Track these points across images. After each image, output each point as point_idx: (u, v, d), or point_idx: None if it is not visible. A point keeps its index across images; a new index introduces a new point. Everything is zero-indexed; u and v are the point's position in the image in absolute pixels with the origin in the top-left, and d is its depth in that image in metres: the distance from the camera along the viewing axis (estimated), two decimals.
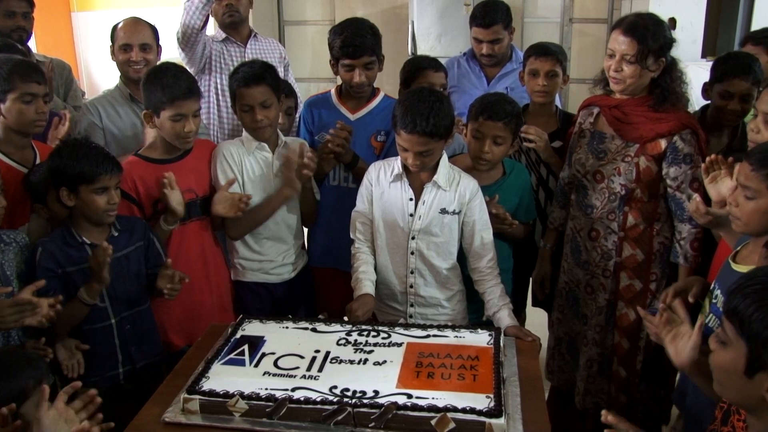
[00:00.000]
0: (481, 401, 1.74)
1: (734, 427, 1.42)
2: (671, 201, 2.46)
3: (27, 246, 2.23)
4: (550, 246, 2.82)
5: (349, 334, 2.09)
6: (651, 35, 2.32)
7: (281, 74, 3.07)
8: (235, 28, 3.37)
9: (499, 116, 2.41)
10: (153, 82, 2.42)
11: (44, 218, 2.34)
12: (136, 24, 2.91)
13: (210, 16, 3.15)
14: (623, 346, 2.60)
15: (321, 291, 2.82)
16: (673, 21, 6.04)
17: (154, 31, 2.96)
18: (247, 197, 2.49)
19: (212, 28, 3.41)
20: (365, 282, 2.34)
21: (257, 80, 2.48)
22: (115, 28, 2.91)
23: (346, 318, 2.24)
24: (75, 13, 6.42)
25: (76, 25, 6.41)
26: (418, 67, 2.85)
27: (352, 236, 2.45)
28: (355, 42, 2.60)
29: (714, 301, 1.92)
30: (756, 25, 5.97)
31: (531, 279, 2.95)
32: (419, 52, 6.03)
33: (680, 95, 2.44)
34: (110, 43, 2.93)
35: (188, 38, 3.10)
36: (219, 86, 3.29)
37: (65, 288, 2.18)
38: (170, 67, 2.57)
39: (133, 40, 2.83)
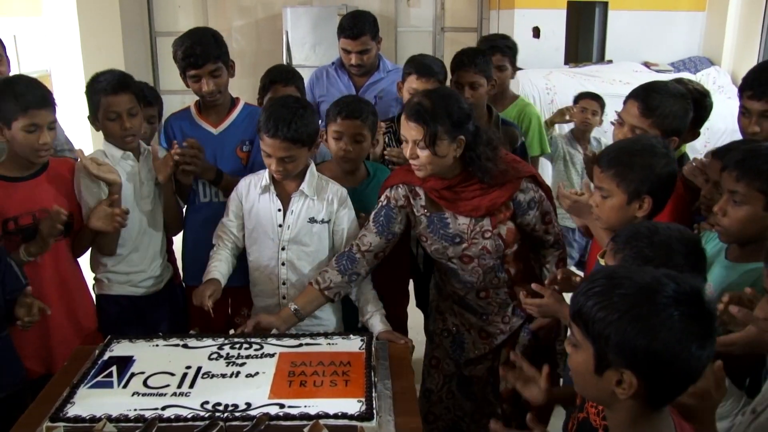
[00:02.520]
0: (353, 406, 1.78)
1: (588, 413, 1.51)
2: (530, 239, 2.43)
3: None
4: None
5: (221, 347, 2.08)
6: (437, 117, 2.13)
7: None
8: None
9: (357, 114, 2.47)
10: (4, 93, 2.29)
11: None
12: None
13: None
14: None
15: (194, 309, 2.77)
16: (537, 30, 6.36)
17: None
18: (123, 210, 2.42)
19: None
20: (214, 272, 2.36)
21: (123, 87, 2.43)
22: None
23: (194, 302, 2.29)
24: None
25: None
26: (269, 81, 2.87)
27: (213, 242, 2.46)
28: (196, 51, 2.56)
29: None
30: (610, 34, 6.39)
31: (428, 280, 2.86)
32: (294, 62, 6.05)
33: (495, 163, 2.24)
34: None
35: None
36: None
37: None
38: (22, 77, 2.48)
39: None
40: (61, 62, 5.86)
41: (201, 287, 2.27)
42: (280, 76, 2.88)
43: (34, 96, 2.30)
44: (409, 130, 2.17)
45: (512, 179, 2.29)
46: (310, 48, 6.17)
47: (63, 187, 2.48)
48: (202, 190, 2.72)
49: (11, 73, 2.88)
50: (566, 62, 6.48)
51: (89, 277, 2.66)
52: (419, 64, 2.84)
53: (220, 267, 2.39)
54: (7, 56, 2.85)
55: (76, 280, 2.57)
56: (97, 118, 2.48)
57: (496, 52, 3.28)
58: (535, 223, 2.37)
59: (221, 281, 2.35)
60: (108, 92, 2.41)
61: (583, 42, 6.59)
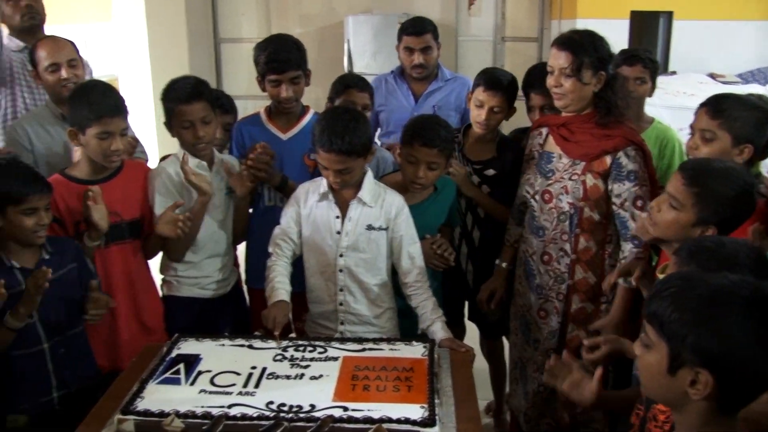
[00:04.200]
0: (416, 411, 1.79)
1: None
2: (616, 219, 2.47)
3: None
4: (507, 264, 2.78)
5: (285, 349, 2.11)
6: (586, 48, 2.36)
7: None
8: (35, 33, 3.20)
9: (434, 143, 2.42)
10: (79, 99, 2.39)
11: None
12: (57, 41, 2.84)
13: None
14: None
15: (257, 311, 2.81)
16: None
17: (74, 45, 2.90)
18: (187, 218, 2.46)
19: None
20: (280, 291, 2.33)
21: (197, 96, 2.48)
22: (32, 51, 2.84)
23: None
24: None
25: None
26: (344, 85, 2.87)
27: (270, 250, 2.45)
28: (279, 57, 2.61)
29: None
30: (674, 46, 6.27)
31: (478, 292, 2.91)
32: (355, 70, 6.09)
33: (623, 109, 2.45)
34: (30, 68, 2.88)
35: None
36: (26, 102, 3.21)
37: None
38: (98, 84, 2.55)
39: (59, 58, 2.77)
40: (129, 67, 6.03)
41: (270, 310, 2.25)
42: (356, 81, 2.89)
43: (107, 104, 2.38)
44: (557, 59, 2.40)
45: (625, 135, 2.43)
46: (371, 56, 6.20)
47: (136, 190, 2.55)
48: (267, 194, 2.76)
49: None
50: None
51: (157, 278, 2.74)
52: (489, 77, 2.80)
53: (284, 283, 2.36)
54: (83, 59, 2.94)
55: (145, 280, 2.64)
56: (170, 124, 2.53)
57: (636, 63, 3.03)
58: (626, 199, 2.42)
59: (288, 301, 2.32)
60: (182, 100, 2.46)
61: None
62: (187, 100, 2.46)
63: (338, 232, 2.37)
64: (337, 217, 2.38)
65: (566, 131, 2.51)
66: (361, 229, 2.37)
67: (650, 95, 3.13)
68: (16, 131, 2.78)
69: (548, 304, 2.60)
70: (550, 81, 2.46)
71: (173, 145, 2.63)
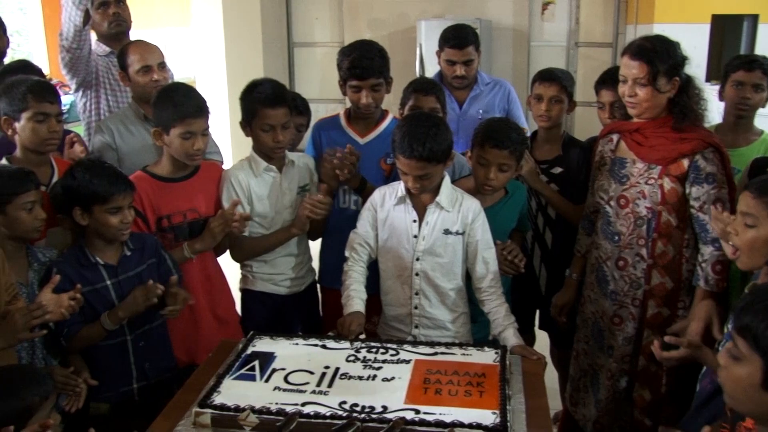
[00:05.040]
0: (488, 417, 1.78)
1: None
2: (695, 222, 2.42)
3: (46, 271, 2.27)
4: (577, 275, 2.77)
5: (358, 351, 2.13)
6: (659, 56, 2.33)
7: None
8: (121, 40, 3.31)
9: (506, 145, 2.43)
10: (164, 101, 2.48)
11: (68, 229, 2.39)
12: (147, 45, 2.96)
13: (90, 12, 3.14)
14: (650, 369, 2.55)
15: (329, 311, 2.86)
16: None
17: (161, 49, 3.02)
18: (242, 215, 2.51)
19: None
20: (356, 300, 2.36)
21: (280, 101, 2.53)
22: (122, 53, 2.95)
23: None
24: None
25: None
26: (411, 90, 2.88)
27: (346, 254, 2.47)
28: (362, 63, 2.63)
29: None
30: (759, 49, 6.05)
31: (550, 302, 2.90)
32: (427, 74, 6.11)
33: (699, 113, 2.43)
34: (114, 72, 2.99)
35: (72, 38, 3.12)
36: (110, 105, 3.32)
37: (80, 308, 2.22)
38: (181, 86, 2.64)
39: (150, 61, 2.88)
40: (206, 70, 6.20)
41: (346, 319, 2.29)
42: (421, 85, 2.90)
43: (190, 106, 2.46)
44: (630, 68, 2.38)
45: (701, 137, 2.40)
46: None
47: (211, 189, 2.63)
48: (342, 196, 2.79)
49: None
50: (708, 80, 6.19)
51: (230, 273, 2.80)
52: (542, 71, 2.96)
53: (360, 291, 2.39)
54: (168, 66, 3.04)
55: (219, 277, 2.71)
56: (248, 124, 2.58)
57: (755, 68, 2.84)
58: (705, 201, 2.37)
59: (363, 311, 2.36)
60: (266, 104, 2.51)
61: (728, 57, 6.27)
62: (271, 104, 2.51)
63: (415, 236, 2.38)
64: (415, 221, 2.39)
65: (640, 136, 2.48)
66: (438, 234, 2.37)
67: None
68: (101, 130, 2.89)
69: (623, 310, 2.56)
70: (623, 90, 2.43)
71: (248, 147, 2.68)
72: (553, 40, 7.01)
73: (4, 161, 2.40)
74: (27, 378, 1.71)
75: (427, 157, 2.24)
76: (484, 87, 3.45)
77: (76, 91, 3.37)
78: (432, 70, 6.25)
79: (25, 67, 3.21)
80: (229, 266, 2.81)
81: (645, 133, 2.47)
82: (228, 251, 2.73)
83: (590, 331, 2.69)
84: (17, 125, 2.40)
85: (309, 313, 2.84)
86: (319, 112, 3.40)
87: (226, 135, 4.61)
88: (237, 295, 2.82)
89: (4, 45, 3.46)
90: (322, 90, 6.70)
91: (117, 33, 3.34)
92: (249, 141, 2.66)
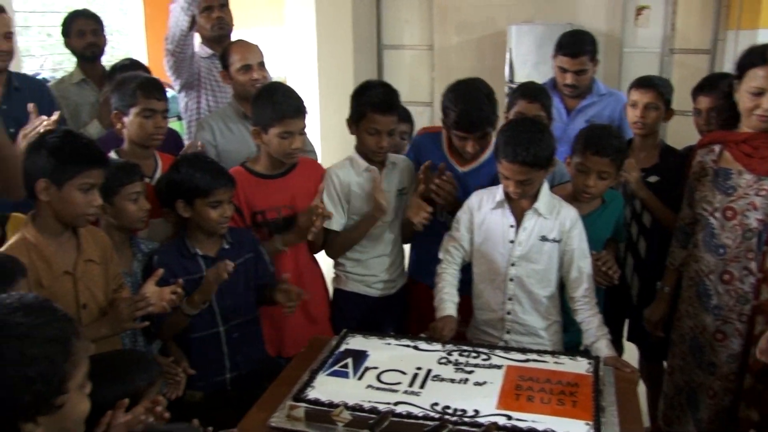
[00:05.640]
0: (581, 428, 1.77)
1: None
2: None
3: (148, 258, 2.37)
4: (670, 289, 2.70)
5: (449, 353, 2.14)
6: None
7: None
8: (222, 42, 3.37)
9: (607, 152, 2.40)
10: (263, 100, 2.53)
11: (171, 222, 2.49)
12: (248, 45, 3.03)
13: (196, 18, 3.22)
14: (757, 388, 2.45)
15: (416, 305, 2.83)
16: None
17: (261, 49, 3.09)
18: (325, 214, 2.54)
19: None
20: (448, 303, 2.37)
21: (392, 108, 2.55)
22: (225, 52, 3.03)
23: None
24: None
25: None
26: (518, 96, 2.82)
27: (440, 256, 2.48)
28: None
29: None
30: None
31: (643, 315, 2.83)
32: (516, 80, 6.05)
33: None
34: (215, 74, 3.08)
35: (178, 41, 3.21)
36: (209, 105, 3.40)
37: (176, 303, 2.30)
38: (279, 86, 2.69)
39: (251, 60, 2.96)
40: (298, 69, 6.32)
41: (438, 324, 2.30)
42: (526, 91, 2.85)
43: (289, 106, 2.51)
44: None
45: None
46: (533, 66, 6.11)
47: (307, 186, 2.67)
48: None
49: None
50: None
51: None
52: (639, 78, 2.90)
53: (452, 295, 2.39)
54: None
55: (313, 273, 2.76)
56: (355, 123, 2.60)
57: None
58: None
59: (455, 315, 2.36)
60: (377, 109, 2.52)
61: None
62: (381, 110, 2.53)
63: (511, 241, 2.37)
64: (512, 226, 2.38)
65: (748, 147, 2.40)
66: (534, 240, 2.36)
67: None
68: (203, 127, 2.99)
69: (727, 326, 2.46)
70: (757, 102, 2.30)
71: (336, 145, 2.69)
72: (647, 46, 6.80)
73: (112, 154, 2.51)
74: (136, 363, 1.79)
75: (531, 162, 2.23)
76: (598, 97, 3.33)
77: (180, 91, 3.50)
78: (522, 75, 6.19)
79: (132, 64, 3.37)
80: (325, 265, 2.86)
81: (754, 144, 2.38)
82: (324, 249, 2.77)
83: (688, 347, 2.61)
84: (126, 120, 2.51)
85: (400, 316, 2.84)
86: None
87: (315, 134, 4.69)
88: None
89: (102, 43, 3.64)
90: (410, 92, 6.70)
91: (219, 36, 3.45)
92: (338, 139, 2.68)
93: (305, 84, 6.01)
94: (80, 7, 3.80)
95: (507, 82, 6.06)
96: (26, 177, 2.02)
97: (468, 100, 2.48)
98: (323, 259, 2.82)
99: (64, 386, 1.21)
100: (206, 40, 3.51)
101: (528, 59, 6.17)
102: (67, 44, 3.60)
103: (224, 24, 3.46)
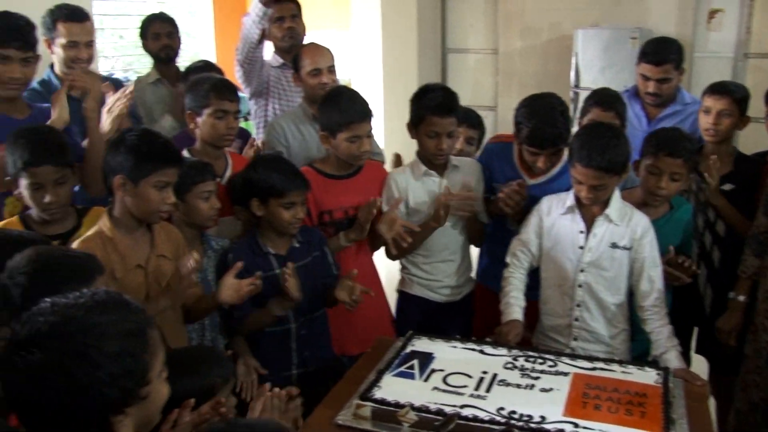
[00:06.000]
0: None
1: None
2: None
3: (221, 251, 2.43)
4: (744, 298, 2.62)
5: (515, 359, 2.14)
6: None
7: None
8: (293, 52, 3.37)
9: (680, 153, 2.37)
10: (331, 105, 2.58)
11: (242, 220, 2.55)
12: (320, 49, 3.08)
13: (266, 32, 3.27)
14: None
15: (480, 308, 2.83)
16: None
17: (332, 53, 3.13)
18: (407, 224, 2.55)
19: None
20: (515, 308, 2.37)
21: (451, 110, 2.56)
22: (297, 55, 3.08)
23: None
24: None
25: None
26: (593, 103, 2.79)
27: (507, 260, 2.48)
28: (544, 135, 2.44)
29: None
30: None
31: (714, 326, 2.76)
32: (582, 85, 5.98)
33: None
34: (290, 77, 3.15)
35: (247, 53, 3.27)
36: (276, 111, 3.45)
37: (251, 294, 2.37)
38: (345, 90, 2.72)
39: (322, 64, 3.00)
40: (362, 72, 6.37)
41: (503, 328, 2.31)
42: (601, 98, 2.81)
43: (356, 111, 2.55)
44: None
45: None
46: (599, 71, 6.03)
47: (372, 188, 2.70)
48: None
49: None
50: None
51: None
52: (714, 84, 2.86)
53: (519, 299, 2.39)
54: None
55: (372, 273, 2.79)
56: (415, 127, 2.63)
57: None
58: None
59: (522, 319, 2.35)
60: (434, 112, 2.54)
61: None
62: (440, 112, 2.54)
63: (581, 247, 2.36)
64: (582, 232, 2.36)
65: None
66: (604, 247, 2.34)
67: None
68: (274, 129, 3.05)
69: None
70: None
71: (401, 147, 2.72)
72: (720, 50, 6.63)
73: (184, 152, 2.58)
74: (212, 359, 1.83)
75: (605, 167, 2.21)
76: (682, 106, 3.23)
77: (250, 98, 3.60)
78: (587, 79, 6.11)
79: (206, 66, 3.46)
80: (388, 266, 2.88)
81: None
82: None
83: (765, 362, 2.52)
84: (199, 120, 2.58)
85: (465, 323, 2.82)
86: None
87: (380, 137, 4.71)
88: (391, 295, 2.89)
89: (177, 45, 3.75)
90: (473, 96, 6.70)
91: (290, 46, 3.52)
92: (402, 142, 2.70)
93: (370, 87, 6.06)
94: (156, 11, 3.92)
95: (572, 87, 6.00)
96: (105, 173, 2.10)
97: (541, 117, 2.44)
98: (389, 262, 2.84)
99: (147, 377, 1.25)
100: (278, 50, 3.59)
101: (594, 64, 6.10)
102: (144, 46, 3.73)
103: (295, 34, 3.52)
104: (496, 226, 2.76)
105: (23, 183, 2.16)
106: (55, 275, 1.56)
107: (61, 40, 2.81)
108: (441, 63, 7.06)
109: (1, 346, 1.25)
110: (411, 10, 6.43)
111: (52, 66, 2.92)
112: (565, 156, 2.60)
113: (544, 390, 1.97)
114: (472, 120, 3.04)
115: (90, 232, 2.10)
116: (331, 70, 3.04)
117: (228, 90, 2.62)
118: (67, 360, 1.15)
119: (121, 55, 6.62)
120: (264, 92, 3.52)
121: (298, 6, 3.59)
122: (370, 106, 2.63)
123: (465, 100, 2.66)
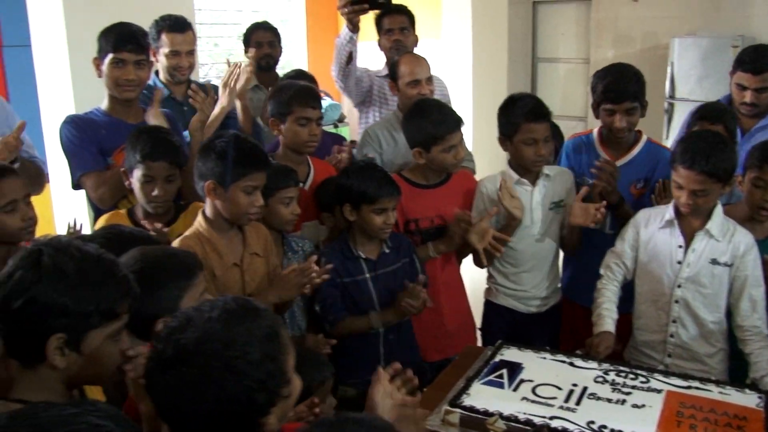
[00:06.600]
0: None
1: None
2: None
3: (310, 253, 2.50)
4: None
5: (606, 373, 2.10)
6: None
7: None
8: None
9: None
10: (420, 118, 2.62)
11: (329, 226, 2.61)
12: (419, 60, 3.11)
13: (354, 54, 3.34)
14: None
15: (568, 323, 2.82)
16: None
17: (429, 63, 3.17)
18: (499, 235, 2.55)
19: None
20: (607, 319, 2.34)
21: (545, 115, 2.58)
22: (395, 63, 3.13)
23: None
24: None
25: None
26: (698, 117, 2.76)
27: (601, 272, 2.46)
28: (618, 87, 2.59)
29: None
30: None
31: None
32: (677, 95, 5.83)
33: None
34: (390, 79, 3.20)
35: (338, 72, 3.38)
36: (375, 119, 3.50)
37: (341, 297, 2.42)
38: (433, 103, 2.76)
39: (420, 75, 3.03)
40: (452, 81, 6.37)
41: (594, 339, 2.29)
42: (710, 113, 2.77)
43: (447, 123, 2.61)
44: None
45: None
46: (696, 81, 5.86)
47: (460, 198, 2.73)
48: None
49: None
50: None
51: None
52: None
53: (611, 311, 2.36)
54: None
55: (458, 282, 2.81)
56: (508, 138, 2.63)
57: None
58: None
59: (613, 331, 2.33)
60: (529, 119, 2.55)
61: None
62: (535, 118, 2.55)
63: (679, 262, 2.31)
64: (681, 246, 2.31)
65: None
66: (704, 262, 2.28)
67: None
68: (369, 135, 3.11)
69: None
70: None
71: (488, 155, 2.72)
72: None
73: None
74: (311, 361, 1.89)
75: (709, 171, 2.16)
76: None
77: (355, 107, 3.74)
78: (683, 90, 5.94)
79: (300, 75, 3.57)
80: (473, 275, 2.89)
81: None
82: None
83: None
84: (282, 127, 2.65)
85: (551, 335, 2.80)
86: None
87: (468, 145, 4.72)
88: (475, 305, 2.89)
89: (277, 54, 3.86)
90: (563, 106, 6.61)
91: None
92: (491, 151, 2.71)
93: (459, 96, 6.07)
94: (258, 20, 4.05)
95: (666, 97, 5.85)
96: (197, 178, 2.20)
97: (615, 73, 2.65)
98: (473, 271, 2.85)
99: (287, 375, 1.30)
100: (387, 60, 3.66)
101: (691, 74, 5.93)
102: (246, 53, 3.85)
103: (401, 47, 3.58)
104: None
105: (137, 174, 2.33)
106: (161, 274, 1.67)
107: (165, 50, 2.98)
108: (531, 72, 7.01)
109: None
110: (502, 19, 6.40)
111: (157, 73, 3.07)
112: (644, 139, 2.70)
113: (635, 406, 1.93)
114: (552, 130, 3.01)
115: (188, 232, 2.21)
116: (429, 80, 3.08)
117: (310, 97, 2.68)
118: (216, 374, 1.21)
119: (213, 63, 6.86)
120: (367, 101, 3.62)
121: (411, 19, 3.70)
122: (459, 114, 2.67)
123: (554, 110, 2.68)
